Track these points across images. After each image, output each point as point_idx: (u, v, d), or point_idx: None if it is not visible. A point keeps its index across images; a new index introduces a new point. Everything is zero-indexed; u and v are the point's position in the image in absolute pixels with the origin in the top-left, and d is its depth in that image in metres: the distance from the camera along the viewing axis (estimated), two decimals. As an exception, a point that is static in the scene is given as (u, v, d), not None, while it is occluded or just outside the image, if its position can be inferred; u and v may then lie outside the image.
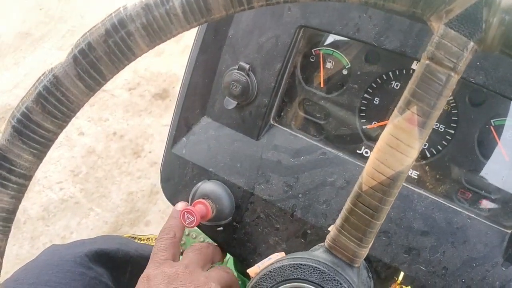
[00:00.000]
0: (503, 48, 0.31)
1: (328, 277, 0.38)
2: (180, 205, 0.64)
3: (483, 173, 0.57)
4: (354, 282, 0.39)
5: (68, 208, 1.61)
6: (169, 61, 1.86)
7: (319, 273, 0.38)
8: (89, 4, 2.12)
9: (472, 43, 0.32)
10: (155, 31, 0.34)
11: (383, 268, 0.56)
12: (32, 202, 1.62)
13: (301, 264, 0.39)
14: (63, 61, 0.35)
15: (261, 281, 0.40)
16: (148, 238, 0.89)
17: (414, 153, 0.34)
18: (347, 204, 0.38)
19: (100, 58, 0.34)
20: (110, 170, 1.67)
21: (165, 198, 0.69)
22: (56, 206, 1.62)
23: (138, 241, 0.87)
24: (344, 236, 0.38)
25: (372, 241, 0.39)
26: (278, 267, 0.40)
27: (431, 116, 0.34)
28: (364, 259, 0.56)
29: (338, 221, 0.39)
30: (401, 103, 0.34)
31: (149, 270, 0.55)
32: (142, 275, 0.55)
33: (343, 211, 0.38)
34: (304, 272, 0.39)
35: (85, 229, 1.58)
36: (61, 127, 0.36)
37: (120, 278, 0.75)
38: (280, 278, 0.39)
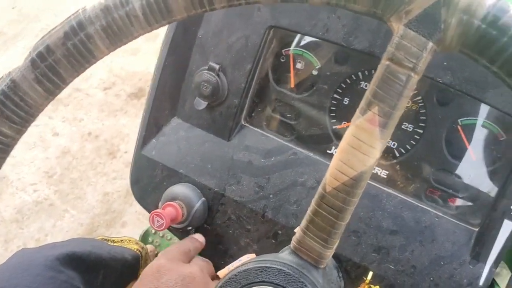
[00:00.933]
0: (462, 48, 0.31)
1: (293, 279, 0.38)
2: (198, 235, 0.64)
3: (451, 172, 0.58)
4: (319, 283, 0.39)
5: (43, 210, 1.58)
6: (145, 60, 1.84)
7: (283, 275, 0.38)
8: (63, 2, 2.08)
9: (431, 44, 0.32)
10: (115, 33, 0.33)
11: (353, 268, 0.56)
12: (5, 205, 1.59)
13: (266, 267, 0.39)
14: (20, 65, 0.34)
15: (226, 285, 0.40)
16: (121, 240, 0.88)
17: (376, 154, 0.34)
18: (312, 205, 0.38)
19: (59, 61, 0.34)
20: (85, 171, 1.64)
21: (140, 200, 0.68)
22: (30, 208, 1.58)
23: (112, 243, 0.86)
24: (309, 238, 0.38)
25: (337, 242, 0.39)
26: (243, 271, 0.39)
27: (392, 116, 0.34)
28: (334, 259, 0.56)
29: (303, 222, 0.38)
30: (362, 103, 0.34)
31: (160, 261, 0.54)
32: (151, 265, 0.54)
33: (308, 213, 0.38)
34: (269, 274, 0.38)
35: (60, 231, 1.55)
36: (20, 132, 0.35)
37: (92, 281, 0.73)
38: (245, 281, 0.39)
